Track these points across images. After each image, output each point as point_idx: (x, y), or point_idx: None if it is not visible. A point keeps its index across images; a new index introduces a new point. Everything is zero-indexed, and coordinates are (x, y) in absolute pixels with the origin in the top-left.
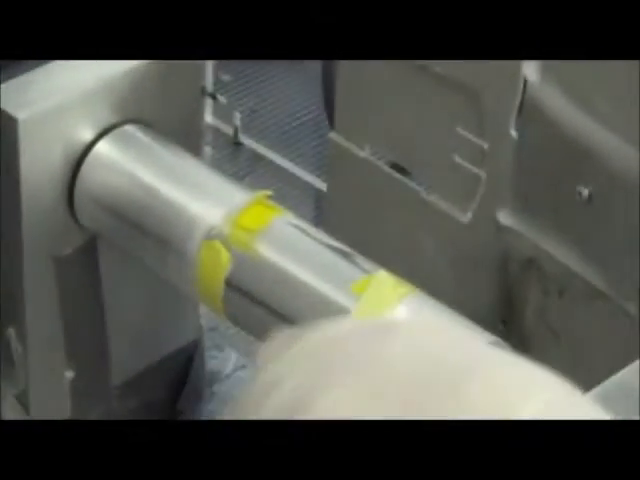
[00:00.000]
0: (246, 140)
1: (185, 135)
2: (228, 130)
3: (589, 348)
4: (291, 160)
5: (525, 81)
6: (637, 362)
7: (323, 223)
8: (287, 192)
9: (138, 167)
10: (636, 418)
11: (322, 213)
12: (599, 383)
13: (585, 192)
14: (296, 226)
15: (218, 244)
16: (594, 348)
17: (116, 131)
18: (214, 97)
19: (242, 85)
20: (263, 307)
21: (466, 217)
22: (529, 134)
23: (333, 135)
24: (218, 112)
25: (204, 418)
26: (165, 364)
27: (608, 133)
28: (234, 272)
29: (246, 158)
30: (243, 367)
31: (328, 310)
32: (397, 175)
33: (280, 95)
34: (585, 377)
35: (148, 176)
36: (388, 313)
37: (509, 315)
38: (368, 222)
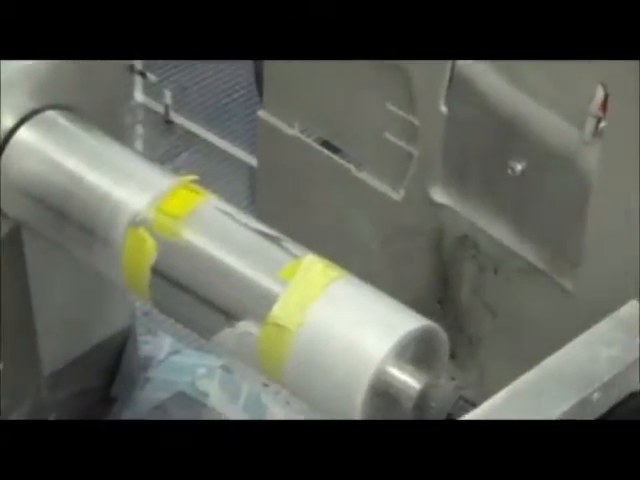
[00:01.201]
0: (177, 118)
1: (113, 115)
2: (159, 108)
3: (525, 324)
4: (223, 137)
5: None
6: (569, 345)
7: (255, 201)
8: (220, 170)
9: (60, 153)
10: (569, 404)
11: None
12: (535, 359)
13: (518, 167)
14: (222, 210)
15: (143, 231)
16: (530, 324)
17: (37, 117)
18: (144, 75)
19: (172, 62)
20: (190, 294)
21: (398, 194)
22: (459, 110)
23: (262, 113)
24: (148, 90)
25: (138, 404)
26: (97, 351)
27: (540, 107)
28: (160, 259)
29: (178, 136)
30: (177, 352)
31: (256, 296)
32: (327, 152)
33: (211, 72)
34: (522, 353)
35: (71, 162)
36: (316, 297)
37: (445, 292)
38: (300, 200)
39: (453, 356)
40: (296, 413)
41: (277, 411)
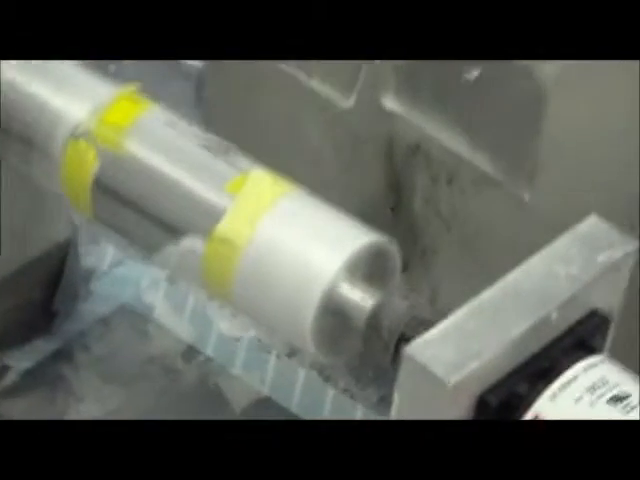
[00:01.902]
0: None
1: None
2: None
3: (481, 236)
4: None
5: None
6: (527, 263)
7: (202, 110)
8: (167, 72)
9: None
10: (527, 324)
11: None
12: (491, 272)
13: (472, 74)
14: (167, 121)
15: (83, 143)
16: (486, 236)
17: None
18: None
19: None
20: (133, 208)
21: (348, 102)
22: None
23: None
24: None
25: (81, 317)
26: (37, 263)
27: None
28: (101, 172)
29: None
30: (120, 263)
31: (202, 210)
32: (275, 60)
33: None
34: (476, 265)
35: (8, 71)
36: (264, 212)
37: (397, 202)
38: (248, 108)
39: (406, 268)
40: (244, 328)
41: (223, 325)
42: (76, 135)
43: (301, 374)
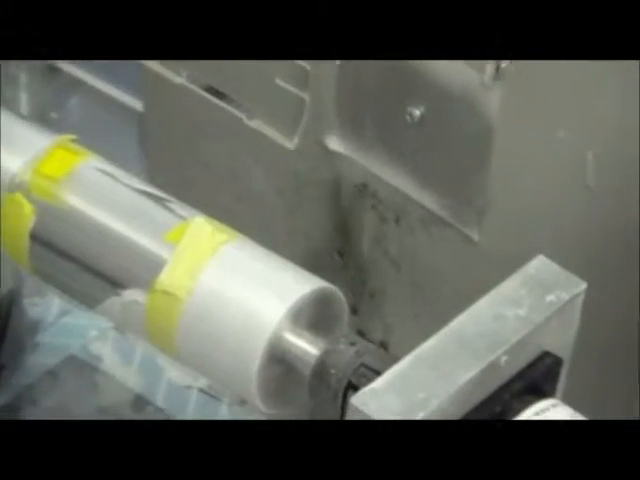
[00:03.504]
0: (62, 64)
1: None
2: None
3: (430, 276)
4: (111, 83)
5: None
6: (475, 306)
7: (144, 153)
8: (109, 117)
9: None
10: (476, 369)
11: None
12: (441, 311)
13: (416, 113)
14: (103, 171)
15: (19, 195)
16: (435, 276)
17: None
18: None
19: None
20: (71, 261)
21: (292, 143)
22: None
23: (147, 61)
24: None
25: (28, 370)
26: None
27: None
28: (38, 224)
29: (64, 83)
30: (67, 313)
31: (142, 262)
32: (217, 101)
33: None
34: (427, 305)
35: None
36: (205, 262)
37: (345, 245)
38: (190, 151)
39: (355, 311)
40: (194, 377)
41: (173, 374)
42: (12, 188)
43: None
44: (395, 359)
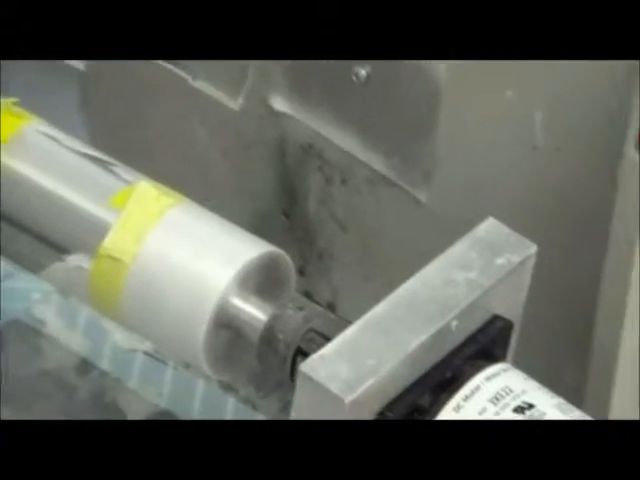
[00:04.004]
0: None
1: None
2: None
3: (378, 238)
4: None
5: None
6: (424, 270)
7: (86, 115)
8: (50, 78)
9: None
10: (426, 334)
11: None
12: (389, 273)
13: (362, 73)
14: (46, 134)
15: None
16: (383, 238)
17: None
18: None
19: None
20: (15, 225)
21: (237, 103)
22: None
23: None
24: None
25: None
26: None
27: None
28: None
29: None
30: (10, 276)
31: (86, 226)
32: (161, 61)
33: None
34: (375, 267)
35: None
36: (151, 227)
37: (291, 206)
38: (134, 113)
39: (302, 273)
40: (139, 340)
41: (118, 337)
42: None
43: (200, 385)
44: (344, 322)
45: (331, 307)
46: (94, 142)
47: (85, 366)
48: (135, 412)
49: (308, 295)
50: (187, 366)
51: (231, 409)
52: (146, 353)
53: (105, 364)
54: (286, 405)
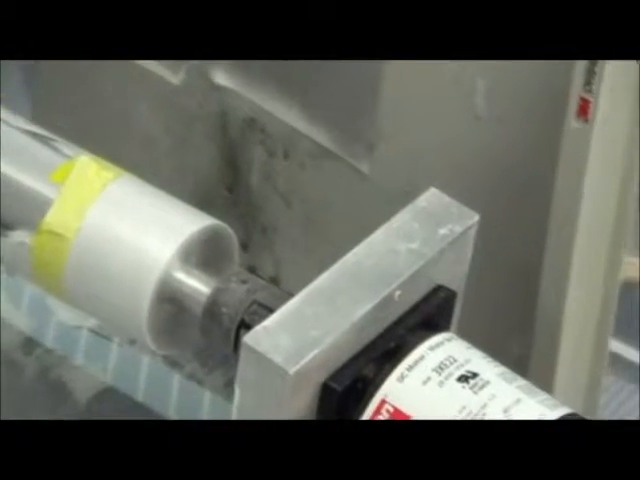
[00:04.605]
0: None
1: None
2: None
3: (322, 211)
4: None
5: None
6: (366, 241)
7: (29, 90)
8: None
9: None
10: (369, 304)
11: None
12: (334, 246)
13: None
14: None
15: None
16: (327, 210)
17: None
18: None
19: None
20: None
21: (178, 78)
22: None
23: None
24: None
25: None
26: None
27: None
28: None
29: None
30: None
31: (28, 202)
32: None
33: None
34: (319, 240)
35: None
36: (92, 201)
37: (234, 181)
38: (76, 89)
39: (246, 247)
40: (84, 317)
41: (63, 314)
42: None
43: (145, 361)
44: (287, 295)
45: (275, 281)
46: (37, 119)
47: (30, 344)
48: (81, 389)
49: (252, 269)
50: (132, 342)
51: (177, 385)
52: (91, 330)
53: (50, 341)
54: (231, 380)
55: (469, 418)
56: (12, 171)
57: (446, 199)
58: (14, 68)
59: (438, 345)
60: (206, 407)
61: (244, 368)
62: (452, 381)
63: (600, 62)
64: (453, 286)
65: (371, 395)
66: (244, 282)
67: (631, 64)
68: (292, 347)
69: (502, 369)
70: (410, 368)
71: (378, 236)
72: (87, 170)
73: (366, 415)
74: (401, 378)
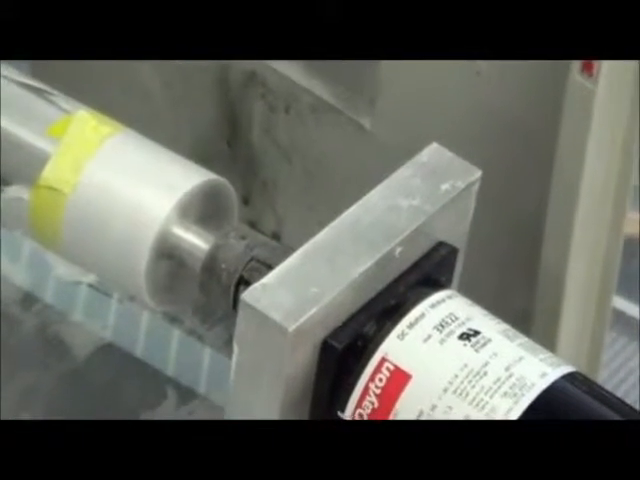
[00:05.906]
0: None
1: None
2: None
3: (322, 166)
4: None
5: None
6: (367, 197)
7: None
8: None
9: None
10: (370, 261)
11: None
12: (334, 201)
13: None
14: None
15: None
16: (328, 165)
17: None
18: None
19: None
20: None
21: None
22: None
23: None
24: None
25: None
26: None
27: None
28: None
29: None
30: None
31: (24, 157)
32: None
33: None
34: (320, 195)
35: None
36: (90, 156)
37: (234, 135)
38: None
39: (247, 202)
40: (83, 272)
41: (62, 270)
42: None
43: (145, 317)
44: (288, 250)
45: (276, 237)
46: (35, 73)
47: (29, 299)
48: (79, 345)
49: (252, 225)
50: (132, 298)
51: (176, 341)
52: (90, 286)
53: (49, 297)
54: (232, 337)
55: (470, 376)
56: (9, 125)
57: (448, 154)
58: None
59: (439, 302)
60: (206, 364)
61: (243, 325)
62: (453, 339)
63: None
64: (455, 243)
65: (371, 353)
66: (243, 238)
67: None
68: (291, 304)
69: (504, 326)
70: (411, 326)
71: (379, 192)
72: (85, 125)
73: (366, 373)
74: (402, 336)
